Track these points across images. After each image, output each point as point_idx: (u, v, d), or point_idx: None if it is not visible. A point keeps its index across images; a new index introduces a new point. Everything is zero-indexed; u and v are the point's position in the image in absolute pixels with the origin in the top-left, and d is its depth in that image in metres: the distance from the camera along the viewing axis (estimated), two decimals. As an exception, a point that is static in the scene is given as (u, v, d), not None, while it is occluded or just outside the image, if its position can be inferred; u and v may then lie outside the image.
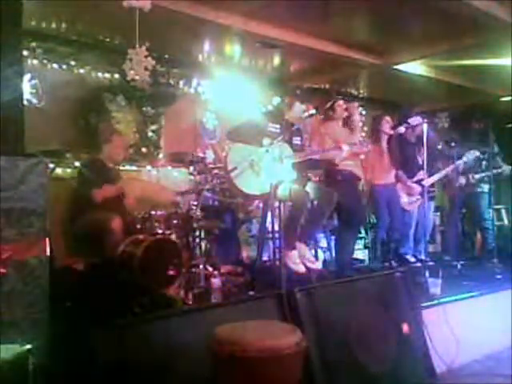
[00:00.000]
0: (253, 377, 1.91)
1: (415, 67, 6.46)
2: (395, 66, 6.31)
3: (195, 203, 4.27)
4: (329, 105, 4.66)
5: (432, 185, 5.72)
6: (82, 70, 5.54)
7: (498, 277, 4.80)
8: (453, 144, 5.67)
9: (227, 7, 4.69)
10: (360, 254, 5.89)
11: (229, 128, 4.26)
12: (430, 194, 5.48)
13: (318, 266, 4.13)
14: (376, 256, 5.38)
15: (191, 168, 4.62)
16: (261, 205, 4.50)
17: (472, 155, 5.60)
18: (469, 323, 3.81)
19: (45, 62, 5.27)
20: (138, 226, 4.03)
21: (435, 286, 3.95)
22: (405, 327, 3.26)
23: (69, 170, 5.03)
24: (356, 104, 4.96)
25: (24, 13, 2.78)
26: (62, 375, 2.29)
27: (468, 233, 6.44)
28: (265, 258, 4.45)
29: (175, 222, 4.24)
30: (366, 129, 7.22)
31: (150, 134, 5.94)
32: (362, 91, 7.91)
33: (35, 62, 5.19)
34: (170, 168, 5.71)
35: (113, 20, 4.75)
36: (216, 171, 4.66)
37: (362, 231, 6.19)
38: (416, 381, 3.20)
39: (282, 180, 3.81)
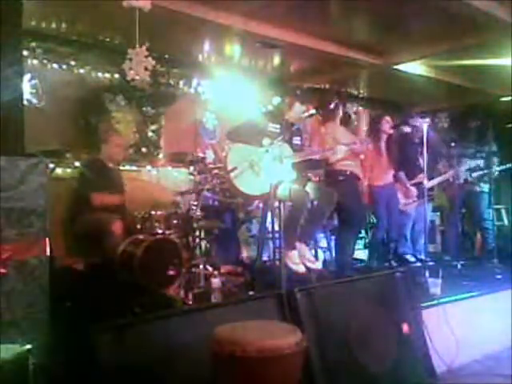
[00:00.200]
0: (253, 377, 1.91)
1: (415, 67, 6.46)
2: (395, 66, 6.31)
3: (195, 203, 4.27)
4: (332, 105, 4.66)
5: (431, 187, 5.73)
6: (81, 70, 5.54)
7: (498, 277, 4.79)
8: (453, 144, 5.68)
9: (227, 7, 4.68)
10: (360, 254, 5.89)
11: (229, 128, 4.27)
12: (428, 195, 5.49)
13: (318, 266, 4.12)
14: (376, 256, 5.37)
15: (191, 168, 4.62)
16: (261, 205, 4.50)
17: (474, 164, 5.62)
18: (469, 323, 3.81)
19: (45, 61, 5.27)
20: (138, 226, 4.03)
21: (435, 285, 3.95)
22: (405, 327, 3.26)
23: (69, 170, 5.03)
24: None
25: (24, 13, 2.78)
26: (62, 375, 2.29)
27: (468, 233, 6.43)
28: (265, 258, 4.45)
29: (175, 222, 4.24)
30: (365, 128, 7.24)
31: (150, 133, 5.94)
32: (361, 91, 7.91)
33: (35, 61, 5.19)
34: (170, 168, 5.71)
35: (113, 20, 4.75)
36: (216, 171, 4.66)
37: (362, 231, 6.19)
38: (416, 381, 3.20)
39: (282, 180, 3.81)
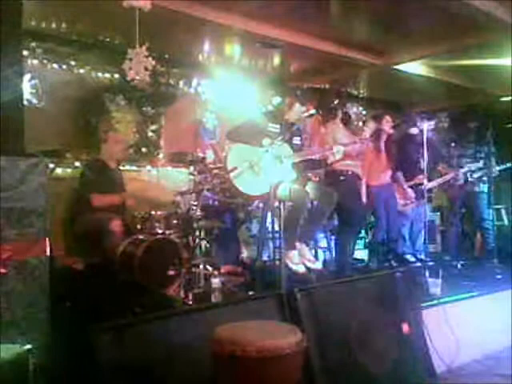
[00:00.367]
0: (253, 377, 1.92)
1: (415, 67, 6.46)
2: (395, 66, 6.31)
3: (195, 203, 4.27)
4: (332, 105, 4.66)
5: (430, 189, 5.74)
6: (81, 70, 5.53)
7: (498, 277, 4.80)
8: (453, 144, 5.68)
9: (227, 7, 4.68)
10: (360, 254, 5.89)
11: (229, 128, 4.27)
12: (427, 196, 5.49)
13: (318, 266, 4.12)
14: (376, 256, 5.38)
15: (191, 168, 4.62)
16: (261, 205, 4.50)
17: (474, 167, 5.62)
18: (469, 323, 3.81)
19: (45, 62, 5.26)
20: (138, 226, 4.03)
21: (435, 285, 3.95)
22: (405, 327, 3.26)
23: (69, 170, 5.03)
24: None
25: (24, 13, 2.78)
26: (62, 375, 2.30)
27: (468, 233, 6.43)
28: (265, 257, 4.45)
29: (175, 222, 4.25)
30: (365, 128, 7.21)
31: (150, 134, 5.94)
32: (362, 91, 7.91)
33: (35, 61, 5.18)
34: (170, 168, 5.71)
35: (113, 20, 4.75)
36: (216, 171, 4.66)
37: (362, 231, 6.19)
38: (416, 381, 3.20)
39: (282, 180, 3.81)
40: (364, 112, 8.11)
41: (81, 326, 2.53)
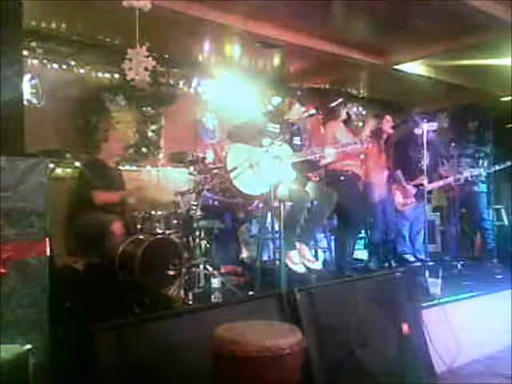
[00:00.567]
0: (253, 377, 1.91)
1: (415, 67, 6.46)
2: (395, 66, 6.31)
3: (195, 203, 4.27)
4: (332, 105, 4.65)
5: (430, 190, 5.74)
6: (82, 70, 5.53)
7: (498, 277, 4.80)
8: (453, 144, 5.68)
9: (227, 7, 4.68)
10: (360, 253, 5.89)
11: (229, 127, 4.26)
12: (427, 197, 5.49)
13: (318, 266, 4.12)
14: (376, 256, 5.38)
15: (191, 168, 4.62)
16: (261, 205, 4.50)
17: (477, 172, 5.62)
18: (469, 323, 3.81)
19: (45, 62, 5.26)
20: (138, 226, 4.04)
21: (435, 285, 3.95)
22: (405, 327, 3.26)
23: (69, 170, 5.03)
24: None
25: (24, 13, 2.78)
26: (62, 375, 2.30)
27: (468, 233, 6.44)
28: (265, 257, 4.45)
29: (175, 222, 4.25)
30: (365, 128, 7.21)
31: (150, 134, 5.94)
32: (362, 91, 7.91)
33: (35, 61, 5.18)
34: (169, 168, 5.71)
35: (113, 20, 4.74)
36: (216, 171, 4.66)
37: (362, 231, 6.19)
38: (416, 381, 3.20)
39: (282, 180, 3.81)
40: (364, 112, 8.11)
41: (81, 326, 2.54)
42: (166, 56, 5.91)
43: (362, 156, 5.01)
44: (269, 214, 4.09)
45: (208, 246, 4.58)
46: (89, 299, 3.23)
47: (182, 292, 3.77)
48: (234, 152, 3.87)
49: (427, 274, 4.14)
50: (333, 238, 4.80)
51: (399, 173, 5.56)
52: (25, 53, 4.80)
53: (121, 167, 4.84)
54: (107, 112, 5.55)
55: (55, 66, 5.36)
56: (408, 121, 5.47)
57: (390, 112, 5.82)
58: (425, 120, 4.81)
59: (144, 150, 5.87)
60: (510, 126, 6.85)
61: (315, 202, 4.17)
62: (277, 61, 6.27)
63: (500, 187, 6.16)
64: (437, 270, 4.16)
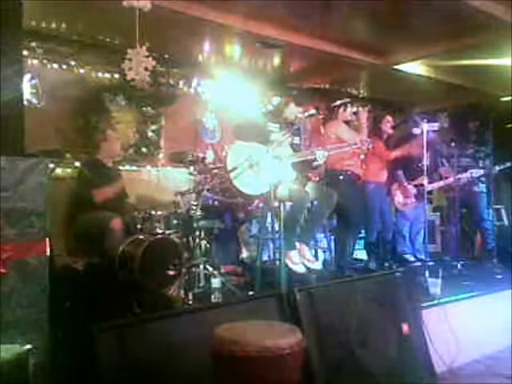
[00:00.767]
0: (253, 377, 1.91)
1: (415, 67, 6.46)
2: (395, 66, 6.31)
3: (195, 203, 4.27)
4: (336, 104, 4.65)
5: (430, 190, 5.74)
6: (82, 70, 5.53)
7: (498, 277, 4.80)
8: (453, 144, 5.68)
9: (227, 7, 4.68)
10: (360, 253, 5.89)
11: (235, 124, 4.27)
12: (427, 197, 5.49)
13: (318, 266, 4.13)
14: (376, 256, 5.37)
15: (191, 168, 4.62)
16: (261, 205, 4.50)
17: (477, 174, 5.62)
18: (469, 323, 3.81)
19: (45, 61, 5.26)
20: (138, 226, 4.04)
21: (435, 285, 3.95)
22: (405, 327, 3.26)
23: (69, 170, 5.03)
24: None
25: (24, 13, 2.78)
26: (62, 375, 2.30)
27: (468, 233, 6.44)
28: (265, 258, 4.46)
29: (175, 222, 4.25)
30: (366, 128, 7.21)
31: (150, 134, 5.94)
32: (362, 91, 7.91)
33: (35, 61, 5.18)
34: (170, 168, 5.71)
35: (113, 20, 4.74)
36: (216, 171, 4.66)
37: (362, 231, 6.19)
38: (416, 381, 3.20)
39: (282, 180, 3.81)
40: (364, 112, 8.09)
41: (81, 326, 2.54)
42: (166, 56, 5.90)
43: (362, 156, 5.02)
44: (269, 214, 4.09)
45: (208, 246, 4.58)
46: (89, 299, 3.24)
47: (182, 292, 3.77)
48: (233, 152, 3.87)
49: (427, 273, 4.14)
50: (333, 238, 4.81)
51: (400, 173, 5.56)
52: (25, 53, 4.80)
53: (121, 167, 4.84)
54: (107, 112, 5.56)
55: (55, 66, 5.36)
56: (408, 121, 5.47)
57: (390, 112, 5.82)
58: (425, 120, 4.80)
59: (144, 149, 5.87)
60: (510, 125, 6.85)
61: (315, 202, 4.17)
62: (277, 61, 6.27)
63: (500, 187, 6.15)
64: (437, 270, 4.16)
